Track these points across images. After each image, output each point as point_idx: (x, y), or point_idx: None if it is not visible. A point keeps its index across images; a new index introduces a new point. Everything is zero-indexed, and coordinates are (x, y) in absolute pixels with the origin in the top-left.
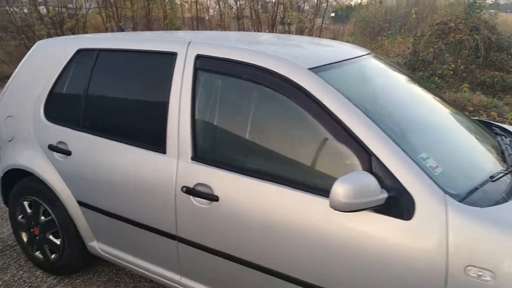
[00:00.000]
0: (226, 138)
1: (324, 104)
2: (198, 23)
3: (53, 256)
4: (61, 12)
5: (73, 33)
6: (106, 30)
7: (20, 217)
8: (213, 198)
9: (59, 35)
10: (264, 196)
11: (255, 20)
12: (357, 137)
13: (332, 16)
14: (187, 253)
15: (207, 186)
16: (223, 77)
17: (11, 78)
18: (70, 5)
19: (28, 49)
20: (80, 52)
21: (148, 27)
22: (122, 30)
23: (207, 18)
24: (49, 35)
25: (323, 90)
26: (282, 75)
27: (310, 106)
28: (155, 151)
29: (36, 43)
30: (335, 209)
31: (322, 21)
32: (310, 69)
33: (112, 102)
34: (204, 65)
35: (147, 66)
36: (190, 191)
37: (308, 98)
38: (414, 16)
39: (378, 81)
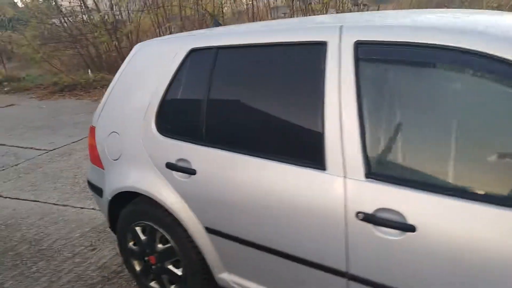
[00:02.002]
0: (420, 148)
1: None
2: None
3: (172, 287)
4: (115, 17)
5: (128, 38)
6: (159, 34)
7: (131, 243)
8: (408, 227)
9: (114, 41)
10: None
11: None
12: None
13: None
14: None
15: (396, 212)
16: (402, 67)
17: (110, 88)
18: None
19: (83, 57)
20: (193, 52)
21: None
22: (219, 24)
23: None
24: (110, 41)
25: None
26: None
27: None
28: (310, 167)
29: (135, 46)
30: None
31: None
32: None
33: (243, 109)
34: (370, 53)
35: (285, 63)
36: (370, 218)
37: None
38: None
39: None
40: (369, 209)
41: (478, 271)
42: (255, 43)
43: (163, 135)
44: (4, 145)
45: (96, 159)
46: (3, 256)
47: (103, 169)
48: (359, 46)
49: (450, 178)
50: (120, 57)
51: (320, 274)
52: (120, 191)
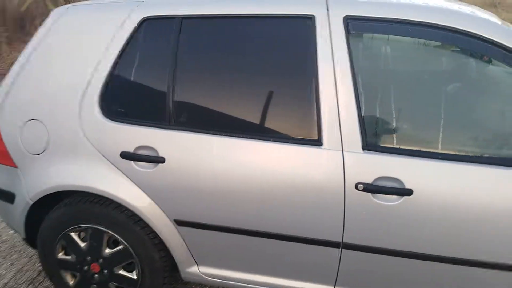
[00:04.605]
0: (413, 117)
1: None
2: None
3: None
4: None
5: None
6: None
7: (61, 254)
8: (406, 192)
9: None
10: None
11: None
12: None
13: None
14: (354, 260)
15: (394, 179)
16: (392, 43)
17: (20, 63)
18: None
19: None
20: (147, 22)
21: None
22: None
23: None
24: None
25: None
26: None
27: None
28: (305, 144)
29: (56, 10)
30: None
31: None
32: None
33: (221, 86)
34: (361, 28)
35: (267, 36)
36: (370, 188)
37: None
38: None
39: None
40: (369, 179)
41: (473, 229)
42: (226, 14)
43: (112, 120)
44: None
45: (2, 156)
46: None
47: (16, 167)
48: (349, 21)
49: (443, 143)
50: None
51: (313, 248)
52: (53, 191)
